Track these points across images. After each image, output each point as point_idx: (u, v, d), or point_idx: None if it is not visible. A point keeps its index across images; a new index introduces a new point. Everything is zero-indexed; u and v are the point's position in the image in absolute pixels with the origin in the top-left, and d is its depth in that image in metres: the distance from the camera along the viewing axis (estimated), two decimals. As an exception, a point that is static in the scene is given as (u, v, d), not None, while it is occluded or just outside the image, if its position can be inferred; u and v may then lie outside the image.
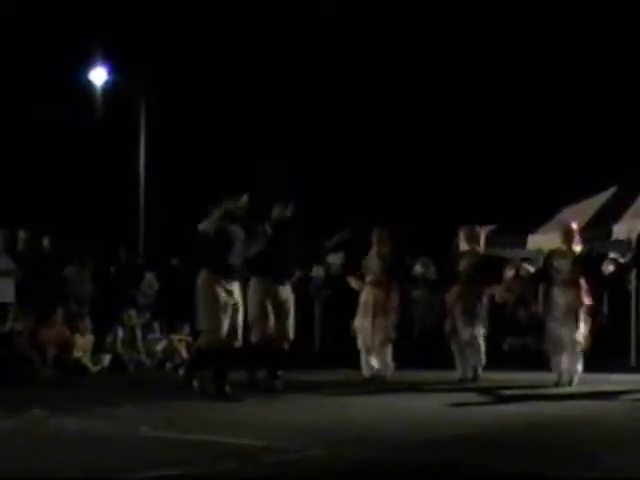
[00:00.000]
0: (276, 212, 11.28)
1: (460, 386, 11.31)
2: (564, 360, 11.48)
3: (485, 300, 12.55)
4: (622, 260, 12.38)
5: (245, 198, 10.66)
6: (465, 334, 12.17)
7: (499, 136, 26.55)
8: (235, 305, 9.82)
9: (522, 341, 15.76)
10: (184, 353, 14.61)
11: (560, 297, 11.56)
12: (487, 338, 12.57)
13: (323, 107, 27.31)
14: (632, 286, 14.75)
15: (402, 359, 12.73)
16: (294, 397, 9.92)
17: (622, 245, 14.59)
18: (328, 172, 26.76)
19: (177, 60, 27.03)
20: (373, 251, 12.45)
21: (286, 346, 11.12)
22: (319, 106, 27.28)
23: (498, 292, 13.76)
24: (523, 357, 14.76)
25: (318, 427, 7.32)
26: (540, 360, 12.37)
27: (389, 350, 12.28)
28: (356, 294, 12.74)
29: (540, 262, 15.81)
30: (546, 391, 10.62)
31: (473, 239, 12.68)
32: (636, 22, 24.98)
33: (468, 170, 26.34)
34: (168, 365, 14.43)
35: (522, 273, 14.68)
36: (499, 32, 26.73)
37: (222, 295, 9.69)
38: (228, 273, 9.88)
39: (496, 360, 12.83)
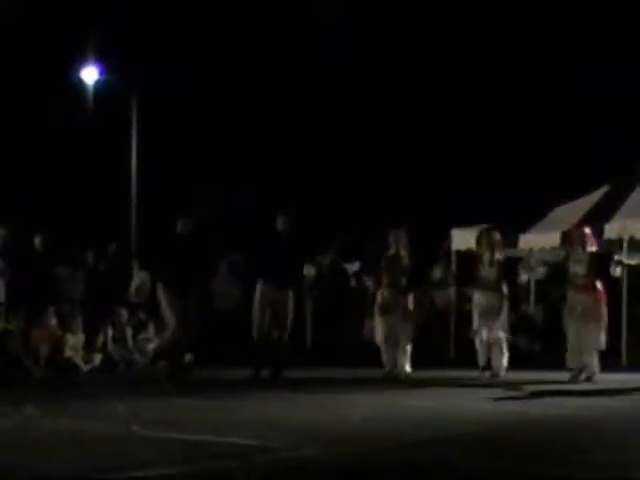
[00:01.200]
0: (280, 223, 11.86)
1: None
2: (582, 359, 11.91)
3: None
4: (633, 262, 12.63)
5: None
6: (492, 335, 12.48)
7: (492, 136, 26.58)
8: None
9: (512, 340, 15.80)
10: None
11: (578, 300, 11.95)
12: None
13: (318, 108, 27.31)
14: (624, 286, 14.78)
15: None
16: (288, 396, 9.92)
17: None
18: (322, 174, 26.78)
19: (169, 59, 27.00)
20: (390, 253, 12.52)
21: (282, 347, 11.66)
22: (314, 107, 27.29)
23: None
24: (516, 356, 14.78)
25: (312, 426, 7.31)
26: (532, 359, 12.42)
27: (408, 352, 12.45)
28: (347, 292, 12.78)
29: (532, 262, 15.93)
30: (539, 390, 10.62)
31: (492, 244, 12.75)
32: (632, 22, 25.04)
33: (460, 170, 26.36)
34: (159, 364, 14.39)
35: (537, 276, 14.96)
36: (494, 33, 26.76)
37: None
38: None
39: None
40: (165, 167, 26.07)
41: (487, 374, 12.39)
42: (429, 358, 13.87)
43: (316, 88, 27.41)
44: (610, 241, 14.87)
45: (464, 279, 15.75)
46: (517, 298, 15.80)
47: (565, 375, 11.88)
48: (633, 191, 15.74)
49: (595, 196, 16.48)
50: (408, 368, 12.39)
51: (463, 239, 16.13)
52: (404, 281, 12.46)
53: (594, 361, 11.93)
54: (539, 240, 15.79)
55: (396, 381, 11.84)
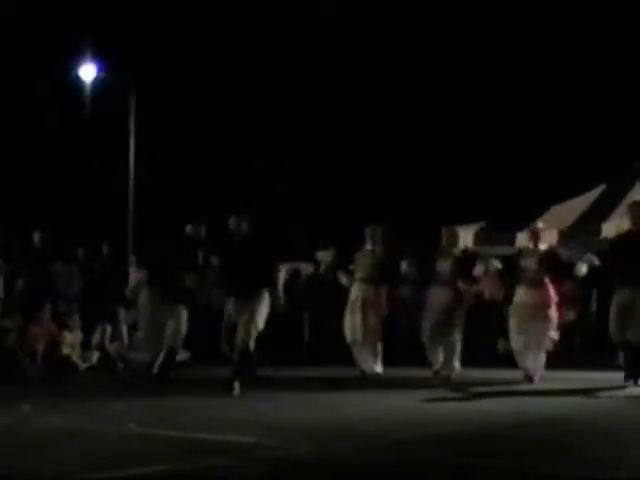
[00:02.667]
0: (235, 226, 10.86)
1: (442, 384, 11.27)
2: (530, 359, 11.48)
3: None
4: (597, 263, 12.36)
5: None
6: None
7: (488, 134, 26.58)
8: None
9: None
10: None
11: (527, 296, 11.55)
12: (475, 337, 12.60)
13: (313, 107, 27.30)
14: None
15: (390, 357, 12.76)
16: (283, 394, 9.92)
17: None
18: (319, 172, 26.79)
19: (167, 57, 26.99)
20: (365, 248, 12.46)
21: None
22: (309, 106, 27.28)
23: (487, 289, 13.75)
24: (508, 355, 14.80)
25: (307, 424, 7.32)
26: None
27: (379, 347, 12.30)
28: (345, 291, 12.75)
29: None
30: (531, 389, 10.63)
31: (452, 240, 12.57)
32: (627, 21, 25.05)
33: (458, 168, 26.36)
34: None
35: (490, 268, 14.59)
36: (491, 31, 26.77)
37: None
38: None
39: (481, 358, 12.86)
40: (163, 165, 26.07)
41: (438, 376, 11.89)
42: (421, 358, 13.87)
43: (313, 86, 27.41)
44: (607, 240, 14.85)
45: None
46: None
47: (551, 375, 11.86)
48: (630, 190, 15.73)
49: (592, 195, 16.49)
50: (379, 369, 12.16)
51: (459, 238, 16.13)
52: (377, 276, 12.28)
53: (539, 362, 11.49)
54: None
55: (368, 381, 11.68)
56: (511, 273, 11.92)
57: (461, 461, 5.69)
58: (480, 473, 5.37)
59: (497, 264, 12.90)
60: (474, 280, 12.75)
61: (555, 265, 11.70)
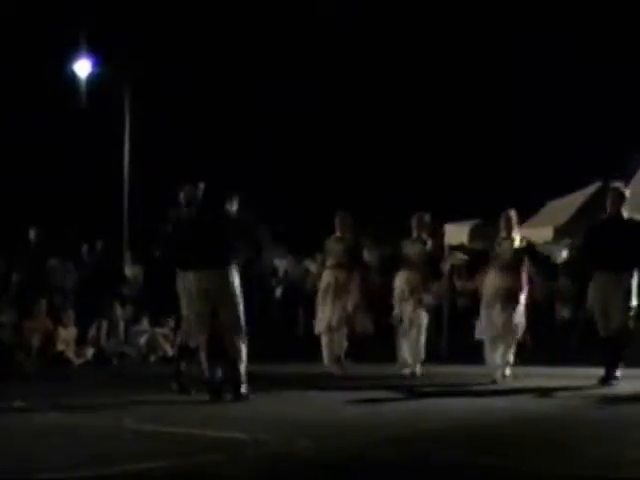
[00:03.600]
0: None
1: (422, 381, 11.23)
2: (498, 353, 11.19)
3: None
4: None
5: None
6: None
7: (485, 131, 26.59)
8: None
9: None
10: (167, 347, 14.60)
11: (499, 282, 11.26)
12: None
13: (309, 103, 27.30)
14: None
15: (383, 353, 12.76)
16: (279, 391, 9.91)
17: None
18: (317, 169, 26.79)
19: (162, 51, 26.96)
20: (335, 235, 12.40)
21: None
22: (304, 101, 27.27)
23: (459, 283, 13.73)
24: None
25: (303, 420, 7.31)
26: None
27: (344, 331, 12.15)
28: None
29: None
30: (523, 385, 10.62)
31: (423, 227, 12.32)
32: (623, 20, 25.07)
33: (453, 164, 26.37)
34: (151, 358, 14.40)
35: (453, 261, 14.52)
36: (489, 31, 26.78)
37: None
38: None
39: (472, 353, 12.85)
40: (158, 159, 26.04)
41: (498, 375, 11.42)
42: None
43: (309, 82, 27.40)
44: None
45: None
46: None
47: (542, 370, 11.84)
48: (627, 186, 15.72)
49: (588, 191, 16.47)
50: (339, 370, 11.92)
51: (456, 234, 16.13)
52: (348, 262, 12.16)
53: (509, 354, 11.19)
54: (532, 235, 15.74)
55: (340, 374, 11.65)
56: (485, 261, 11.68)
57: (457, 458, 5.69)
58: (476, 470, 5.37)
59: (461, 256, 12.87)
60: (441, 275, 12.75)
61: (531, 254, 11.57)
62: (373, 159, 27.07)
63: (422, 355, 11.96)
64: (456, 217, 16.84)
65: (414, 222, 12.23)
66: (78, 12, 26.66)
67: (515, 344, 11.28)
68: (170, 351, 14.69)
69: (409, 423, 7.35)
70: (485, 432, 6.91)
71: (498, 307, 11.18)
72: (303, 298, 16.91)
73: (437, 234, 12.70)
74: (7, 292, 13.60)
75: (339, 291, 12.14)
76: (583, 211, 15.72)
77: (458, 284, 13.20)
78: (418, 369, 11.86)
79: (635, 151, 16.77)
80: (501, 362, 11.13)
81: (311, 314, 16.53)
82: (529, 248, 11.68)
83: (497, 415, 8.02)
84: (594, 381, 10.56)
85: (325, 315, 12.23)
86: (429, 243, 12.23)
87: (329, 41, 27.17)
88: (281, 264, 16.97)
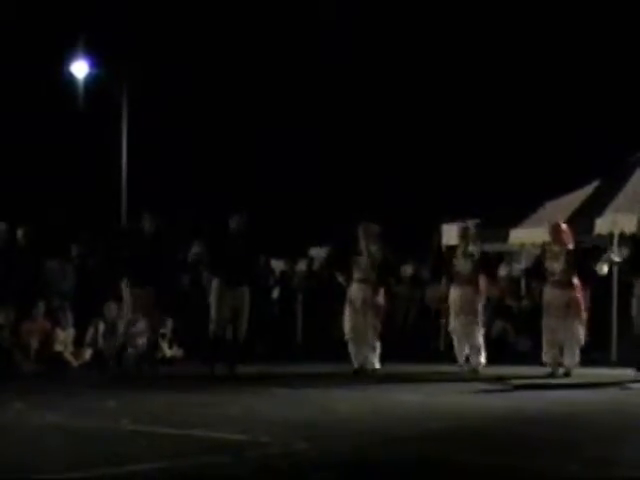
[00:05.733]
0: (233, 223, 12.05)
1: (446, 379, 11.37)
2: (561, 354, 11.96)
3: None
4: (617, 259, 12.58)
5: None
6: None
7: (483, 131, 26.60)
8: None
9: (505, 325, 15.85)
10: (165, 348, 14.58)
11: (555, 297, 11.93)
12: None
13: (309, 103, 27.30)
14: (614, 281, 14.77)
15: (385, 353, 12.76)
16: (278, 391, 9.91)
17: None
18: (314, 170, 26.78)
19: (159, 53, 26.95)
20: (360, 246, 12.43)
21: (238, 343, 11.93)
22: (305, 102, 27.27)
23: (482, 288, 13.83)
24: (506, 351, 14.82)
25: (302, 421, 7.31)
26: (523, 354, 12.41)
27: (377, 347, 12.36)
28: (339, 288, 12.72)
29: (522, 257, 15.92)
30: (528, 385, 10.63)
31: (465, 237, 12.72)
32: (618, 19, 25.08)
33: (451, 164, 26.37)
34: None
35: (513, 274, 14.94)
36: (486, 31, 26.79)
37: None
38: None
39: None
40: (155, 161, 26.04)
41: (466, 368, 12.45)
42: (420, 353, 13.88)
43: (308, 82, 27.40)
44: (601, 236, 14.87)
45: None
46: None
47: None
48: (624, 186, 15.74)
49: (586, 191, 16.48)
50: (377, 364, 12.26)
51: (453, 234, 16.12)
52: (374, 276, 12.32)
53: (574, 357, 11.95)
54: (529, 235, 15.76)
55: (365, 376, 11.73)
56: (538, 272, 12.36)
57: (458, 458, 5.68)
58: (477, 470, 5.36)
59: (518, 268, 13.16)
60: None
61: (580, 264, 12.06)
62: (371, 159, 27.06)
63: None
64: (454, 217, 16.82)
65: (361, 232, 12.41)
66: (76, 14, 26.67)
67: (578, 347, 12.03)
68: (168, 352, 14.68)
69: (409, 423, 7.34)
70: (486, 432, 6.91)
71: (555, 319, 11.94)
72: (301, 299, 16.96)
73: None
74: (4, 293, 13.54)
75: (369, 308, 12.29)
76: (581, 211, 15.73)
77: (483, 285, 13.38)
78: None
79: (632, 152, 16.80)
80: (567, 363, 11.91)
81: (308, 315, 16.61)
82: (576, 258, 12.05)
83: (498, 415, 8.01)
84: (597, 380, 10.60)
85: (354, 324, 12.32)
86: (374, 249, 12.38)
87: (328, 43, 27.16)
88: (277, 265, 16.96)
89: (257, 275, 12.82)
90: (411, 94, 26.89)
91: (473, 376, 11.98)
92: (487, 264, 12.92)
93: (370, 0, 27.92)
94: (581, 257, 12.26)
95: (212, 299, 12.11)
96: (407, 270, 15.59)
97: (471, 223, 13.71)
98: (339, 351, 12.54)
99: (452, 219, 16.69)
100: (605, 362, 13.53)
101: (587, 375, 11.72)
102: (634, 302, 11.67)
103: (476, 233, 13.06)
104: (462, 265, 12.51)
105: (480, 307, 12.65)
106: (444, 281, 13.40)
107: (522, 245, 16.31)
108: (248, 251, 12.04)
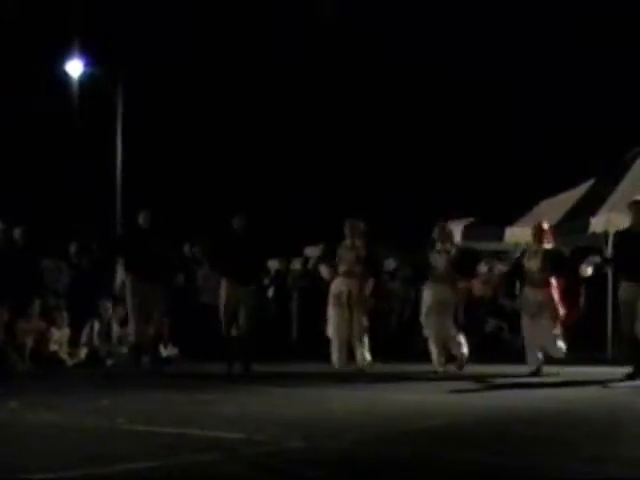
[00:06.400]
0: (236, 224, 12.25)
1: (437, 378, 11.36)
2: (540, 355, 11.86)
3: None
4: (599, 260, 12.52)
5: None
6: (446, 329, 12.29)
7: (478, 130, 26.62)
8: None
9: (500, 324, 15.86)
10: (161, 347, 14.57)
11: (532, 296, 11.82)
12: (465, 329, 12.65)
13: (305, 103, 27.30)
14: (609, 279, 14.79)
15: (381, 352, 12.77)
16: (273, 389, 9.91)
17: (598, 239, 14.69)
18: (313, 169, 26.79)
19: (154, 52, 26.94)
20: (346, 242, 12.43)
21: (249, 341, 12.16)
22: (301, 101, 27.28)
23: (476, 286, 13.82)
24: (500, 349, 14.85)
25: (297, 419, 7.30)
26: (517, 353, 12.42)
27: (366, 341, 12.29)
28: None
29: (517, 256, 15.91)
30: (523, 383, 10.64)
31: (445, 236, 12.55)
32: (614, 19, 25.11)
33: (446, 163, 26.39)
34: (144, 358, 14.34)
35: (496, 272, 14.86)
36: (484, 31, 26.82)
37: None
38: None
39: (473, 352, 12.85)
40: (150, 159, 26.02)
41: (450, 367, 12.24)
42: (415, 352, 13.87)
43: (305, 82, 27.40)
44: (596, 235, 14.89)
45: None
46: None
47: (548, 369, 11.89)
48: (619, 184, 15.76)
49: (581, 189, 16.50)
50: (368, 356, 12.27)
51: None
52: (359, 270, 12.31)
53: (560, 350, 11.89)
54: (525, 233, 15.75)
55: (358, 374, 11.75)
56: (518, 271, 12.21)
57: (454, 456, 5.68)
58: (474, 469, 5.35)
59: (503, 268, 13.07)
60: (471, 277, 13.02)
61: (560, 264, 11.94)
62: (369, 159, 27.07)
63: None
64: (449, 216, 16.83)
65: (347, 229, 12.44)
66: (71, 13, 26.64)
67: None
68: (164, 351, 14.67)
69: (404, 422, 7.34)
70: (483, 430, 6.91)
71: (533, 319, 11.83)
72: (296, 298, 16.96)
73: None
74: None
75: (356, 302, 12.25)
76: (576, 210, 15.74)
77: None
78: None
79: (627, 150, 16.81)
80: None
81: (304, 314, 16.60)
82: (555, 258, 11.96)
83: (495, 413, 8.01)
84: (590, 379, 10.60)
85: (340, 322, 12.30)
86: (358, 243, 12.40)
87: (326, 44, 27.17)
88: (272, 264, 16.97)
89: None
90: (409, 94, 26.89)
91: (459, 368, 12.04)
92: (464, 262, 12.66)
93: (368, 0, 27.94)
94: (563, 258, 12.20)
95: (220, 299, 12.32)
96: (390, 265, 15.50)
97: (465, 223, 13.61)
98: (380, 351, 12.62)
99: (448, 218, 16.70)
100: (601, 361, 13.55)
101: (580, 373, 11.74)
102: (621, 306, 11.54)
103: (452, 231, 12.92)
104: (437, 261, 12.30)
105: (455, 307, 12.39)
106: None
107: (517, 244, 16.31)
108: (253, 251, 12.23)
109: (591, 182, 16.55)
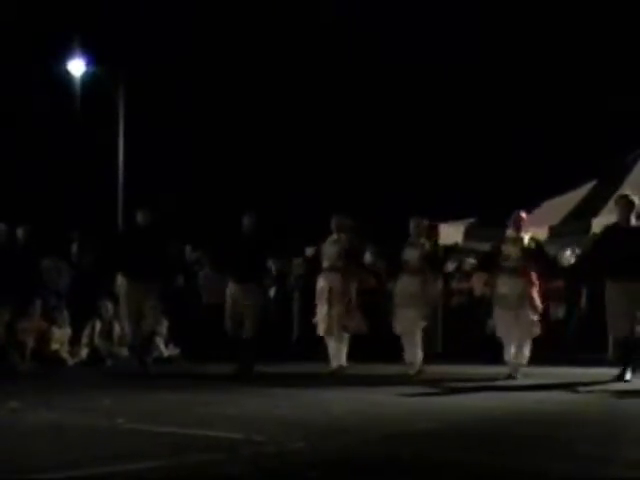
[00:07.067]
0: (246, 222, 12.24)
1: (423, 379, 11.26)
2: (511, 351, 11.40)
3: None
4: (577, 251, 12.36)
5: None
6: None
7: (479, 130, 26.61)
8: None
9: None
10: (162, 346, 14.59)
11: (509, 285, 11.35)
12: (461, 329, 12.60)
13: (304, 101, 27.30)
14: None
15: (379, 352, 12.77)
16: (273, 390, 9.91)
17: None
18: (312, 167, 26.79)
19: (156, 50, 26.95)
20: (331, 238, 12.36)
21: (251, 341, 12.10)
22: (300, 100, 27.28)
23: (476, 286, 13.78)
24: (500, 350, 14.83)
25: (298, 420, 7.30)
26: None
27: (345, 338, 12.20)
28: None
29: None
30: (519, 384, 10.63)
31: (420, 231, 12.38)
32: (613, 19, 25.11)
33: (448, 164, 26.38)
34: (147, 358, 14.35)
35: (466, 267, 14.73)
36: (482, 31, 26.81)
37: None
38: None
39: (469, 353, 12.86)
40: (152, 158, 26.03)
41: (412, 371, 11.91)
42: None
43: (305, 81, 27.41)
44: (597, 236, 14.87)
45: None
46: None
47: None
48: (620, 185, 15.76)
49: (583, 191, 16.51)
50: (343, 361, 12.08)
51: (451, 233, 16.14)
52: (341, 265, 12.13)
53: (524, 355, 11.39)
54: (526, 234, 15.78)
55: (339, 374, 11.66)
56: (492, 262, 11.73)
57: (453, 457, 5.68)
58: (473, 469, 5.35)
59: (472, 261, 12.86)
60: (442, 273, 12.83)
61: (539, 255, 11.60)
62: (368, 159, 27.07)
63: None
64: (451, 217, 16.84)
65: (333, 225, 12.39)
66: (73, 12, 26.65)
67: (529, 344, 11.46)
68: (165, 351, 14.69)
69: (405, 422, 7.34)
70: (481, 431, 6.90)
71: (512, 310, 11.31)
72: (297, 298, 16.94)
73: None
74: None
75: (336, 297, 12.12)
76: (577, 211, 15.75)
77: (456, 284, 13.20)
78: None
79: (628, 151, 16.81)
80: (516, 361, 11.30)
81: (304, 314, 16.59)
82: (538, 248, 11.66)
83: (493, 414, 8.01)
84: (588, 380, 10.59)
85: (323, 319, 12.23)
86: (343, 238, 12.29)
87: (325, 44, 27.18)
88: (273, 264, 16.94)
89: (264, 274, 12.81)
90: (408, 94, 26.89)
91: (419, 377, 11.53)
92: (436, 259, 12.50)
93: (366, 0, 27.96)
94: (542, 249, 11.83)
95: (226, 299, 12.27)
96: (367, 258, 15.39)
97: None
98: (363, 349, 12.58)
99: (449, 218, 16.72)
100: (602, 362, 13.53)
101: (581, 374, 11.73)
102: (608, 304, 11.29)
103: (427, 229, 12.73)
104: (409, 255, 12.08)
105: (427, 303, 12.15)
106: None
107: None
108: (259, 251, 12.20)
109: (593, 183, 16.55)
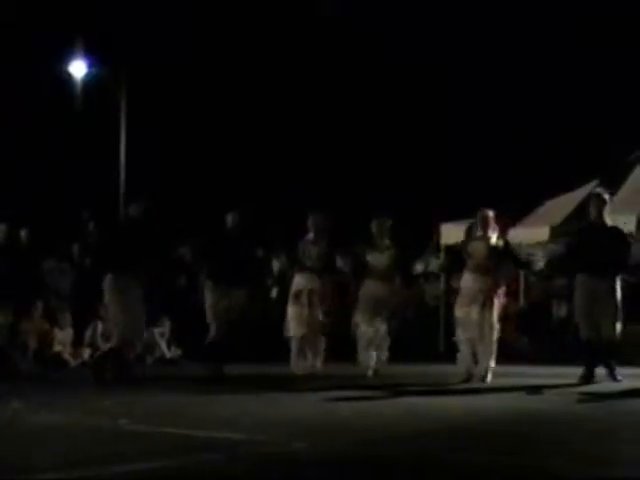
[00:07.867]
0: (229, 221, 11.77)
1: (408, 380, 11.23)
2: (477, 352, 11.07)
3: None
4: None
5: None
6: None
7: (482, 130, 26.59)
8: None
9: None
10: (164, 347, 14.59)
11: (473, 282, 11.14)
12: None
13: (302, 101, 27.29)
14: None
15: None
16: (274, 390, 9.91)
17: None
18: (313, 167, 26.78)
19: (158, 53, 26.95)
20: (309, 238, 12.24)
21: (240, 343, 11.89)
22: (298, 100, 27.27)
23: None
24: (500, 350, 14.82)
25: (298, 420, 7.31)
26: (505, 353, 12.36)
27: (322, 341, 12.14)
28: (337, 286, 12.70)
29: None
30: (520, 384, 10.63)
31: (384, 232, 12.21)
32: (612, 19, 25.11)
33: (450, 163, 26.37)
34: (148, 359, 14.37)
35: (431, 268, 14.61)
36: (482, 30, 26.80)
37: None
38: None
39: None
40: (153, 160, 26.03)
41: (370, 373, 11.82)
42: (418, 352, 13.88)
43: (303, 81, 27.41)
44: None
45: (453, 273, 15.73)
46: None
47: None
48: (622, 185, 15.76)
49: (585, 190, 16.48)
50: (318, 363, 12.01)
51: (452, 233, 16.13)
52: (319, 265, 12.03)
53: (489, 359, 11.01)
54: (528, 234, 15.79)
55: (312, 376, 11.60)
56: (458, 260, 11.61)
57: (453, 457, 5.69)
58: (472, 469, 5.37)
59: (437, 262, 12.77)
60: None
61: (506, 254, 11.43)
62: (370, 159, 27.05)
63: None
64: (453, 216, 16.83)
65: (310, 224, 12.29)
66: (74, 13, 26.66)
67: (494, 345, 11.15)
68: (167, 352, 14.69)
69: (405, 422, 7.35)
70: (481, 431, 6.91)
71: (475, 308, 11.03)
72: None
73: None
74: (2, 293, 13.53)
75: (313, 298, 12.04)
76: (579, 210, 15.72)
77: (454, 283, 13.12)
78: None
79: (630, 151, 16.80)
80: (483, 362, 11.02)
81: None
82: (506, 248, 11.53)
83: (493, 414, 8.02)
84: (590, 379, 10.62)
85: (298, 320, 12.11)
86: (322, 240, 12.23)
87: (322, 43, 27.17)
88: (276, 264, 16.93)
89: (255, 274, 12.52)
90: (410, 94, 26.88)
91: (375, 377, 11.52)
92: (403, 261, 12.45)
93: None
94: (509, 249, 11.58)
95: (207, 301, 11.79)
96: (338, 262, 15.33)
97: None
98: (335, 350, 12.54)
99: (451, 218, 16.71)
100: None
101: (577, 374, 11.71)
102: (578, 300, 11.17)
103: (391, 227, 12.56)
104: (377, 259, 11.96)
105: (394, 307, 12.05)
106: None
107: (520, 244, 16.31)
108: (245, 251, 11.75)
109: (594, 184, 16.53)
